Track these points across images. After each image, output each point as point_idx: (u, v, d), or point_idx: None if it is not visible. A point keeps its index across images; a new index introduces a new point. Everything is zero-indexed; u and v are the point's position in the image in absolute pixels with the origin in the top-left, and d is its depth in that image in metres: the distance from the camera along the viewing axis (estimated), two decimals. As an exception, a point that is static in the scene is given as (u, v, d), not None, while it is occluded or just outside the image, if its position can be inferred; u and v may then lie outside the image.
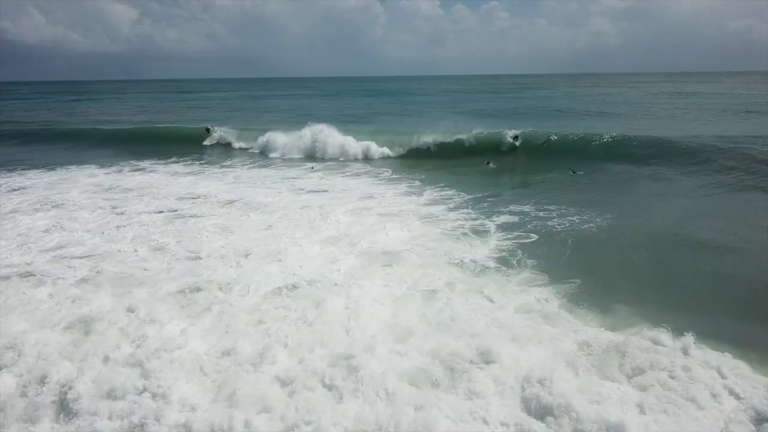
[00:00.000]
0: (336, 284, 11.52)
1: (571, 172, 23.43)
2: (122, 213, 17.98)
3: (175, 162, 29.39)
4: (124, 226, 16.28)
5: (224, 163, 29.12)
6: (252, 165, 28.45)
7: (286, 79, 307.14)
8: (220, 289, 11.24)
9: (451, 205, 18.86)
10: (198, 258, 13.38)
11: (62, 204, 19.21)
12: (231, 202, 19.41)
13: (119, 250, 13.96)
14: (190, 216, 17.55)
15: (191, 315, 10.06)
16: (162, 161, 29.50)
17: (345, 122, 37.95)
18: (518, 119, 41.36)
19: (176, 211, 18.27)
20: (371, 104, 70.06)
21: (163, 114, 56.97)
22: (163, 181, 24.11)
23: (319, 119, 33.71)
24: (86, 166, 27.96)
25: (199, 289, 11.17)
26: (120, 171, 26.73)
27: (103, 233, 15.51)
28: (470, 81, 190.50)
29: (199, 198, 20.37)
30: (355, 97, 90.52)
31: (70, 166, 27.90)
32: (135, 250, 13.97)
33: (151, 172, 26.51)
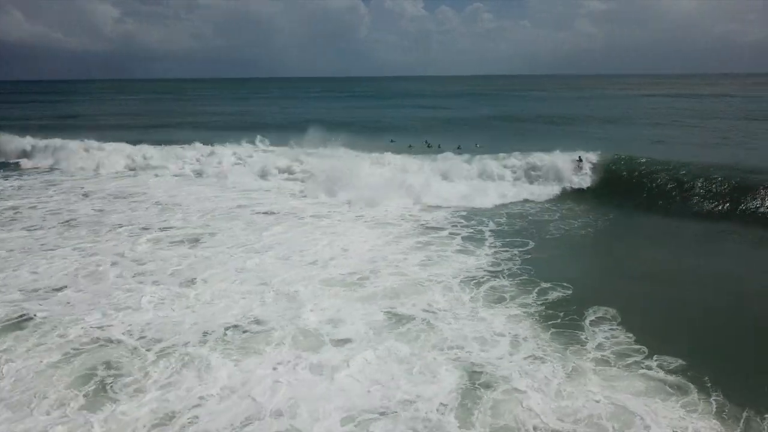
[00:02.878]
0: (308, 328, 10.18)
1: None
2: None
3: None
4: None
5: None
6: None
7: (273, 80, 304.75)
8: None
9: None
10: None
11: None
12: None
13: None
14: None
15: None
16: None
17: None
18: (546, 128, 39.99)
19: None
20: (384, 107, 68.30)
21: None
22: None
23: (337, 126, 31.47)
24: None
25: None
26: None
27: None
28: (464, 82, 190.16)
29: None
30: (357, 99, 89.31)
31: None
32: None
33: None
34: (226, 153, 28.32)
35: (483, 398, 7.88)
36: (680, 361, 8.81)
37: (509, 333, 9.83)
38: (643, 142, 30.60)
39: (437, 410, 7.60)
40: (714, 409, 7.61)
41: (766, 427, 7.25)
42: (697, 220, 17.61)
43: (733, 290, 11.98)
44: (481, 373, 8.55)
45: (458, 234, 16.25)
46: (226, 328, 9.98)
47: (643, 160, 21.81)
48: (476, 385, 8.20)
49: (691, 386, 8.16)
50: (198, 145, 29.75)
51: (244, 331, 9.90)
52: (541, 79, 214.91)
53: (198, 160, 27.91)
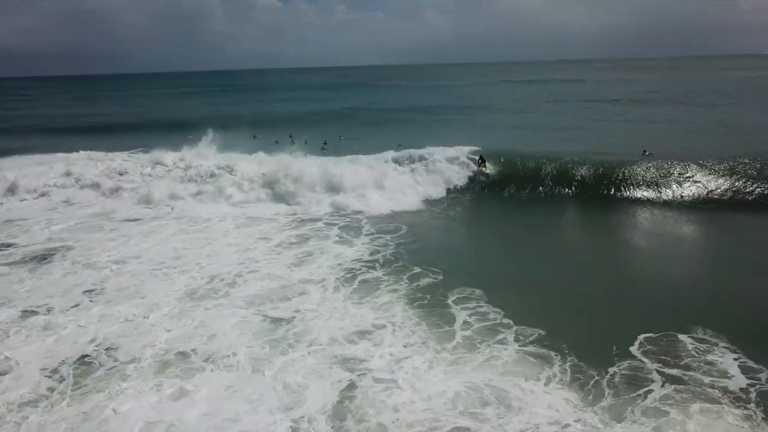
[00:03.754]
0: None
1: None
2: None
3: None
4: None
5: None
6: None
7: (119, 77, 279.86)
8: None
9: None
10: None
11: None
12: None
13: None
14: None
15: None
16: None
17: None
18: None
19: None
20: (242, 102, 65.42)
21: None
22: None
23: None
24: None
25: None
26: None
27: None
28: (323, 74, 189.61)
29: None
30: (213, 94, 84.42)
31: None
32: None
33: None
34: (64, 159, 25.34)
35: (359, 397, 7.84)
36: (541, 332, 9.53)
37: (385, 324, 9.94)
38: (508, 130, 32.21)
39: (316, 418, 7.41)
40: (569, 379, 8.24)
41: (605, 382, 8.10)
42: (565, 206, 18.66)
43: (590, 265, 13.21)
44: (357, 370, 8.50)
45: (335, 224, 16.50)
46: (74, 362, 8.86)
47: (514, 150, 22.57)
48: (353, 385, 8.14)
49: (552, 354, 8.84)
50: (36, 156, 26.34)
51: (99, 365, 8.81)
52: (398, 70, 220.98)
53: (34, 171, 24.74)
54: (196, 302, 11.11)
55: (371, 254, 13.74)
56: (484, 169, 20.76)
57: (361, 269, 12.73)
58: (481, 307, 10.59)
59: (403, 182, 20.52)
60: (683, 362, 8.59)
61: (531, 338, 9.40)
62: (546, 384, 8.14)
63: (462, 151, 22.03)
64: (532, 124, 34.64)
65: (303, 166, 21.08)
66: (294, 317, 10.33)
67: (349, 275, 12.37)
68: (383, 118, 41.12)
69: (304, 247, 14.40)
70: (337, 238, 15.16)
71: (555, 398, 7.78)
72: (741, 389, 7.89)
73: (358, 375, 8.39)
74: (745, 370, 8.36)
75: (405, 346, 9.21)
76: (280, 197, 19.60)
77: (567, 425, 7.21)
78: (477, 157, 21.49)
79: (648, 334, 9.38)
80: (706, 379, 8.12)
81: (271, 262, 13.33)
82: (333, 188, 19.76)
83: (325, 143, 27.87)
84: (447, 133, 27.43)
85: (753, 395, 7.75)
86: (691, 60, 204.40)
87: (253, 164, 22.28)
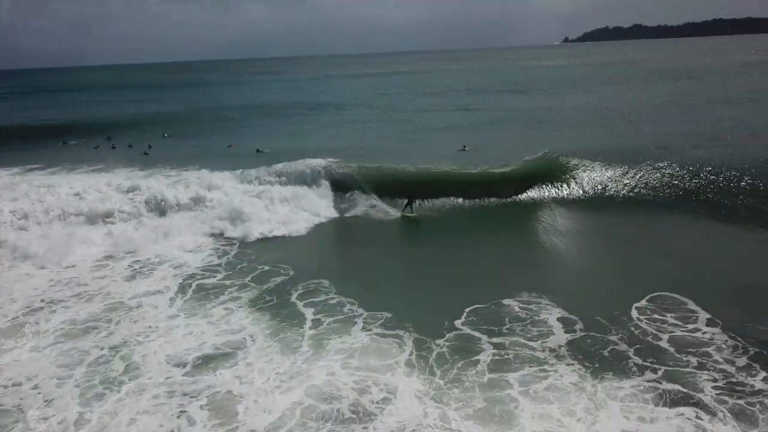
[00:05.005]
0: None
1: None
2: None
3: None
4: None
5: None
6: None
7: None
8: None
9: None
10: None
11: None
12: None
13: None
14: None
15: None
16: None
17: None
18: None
19: None
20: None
21: None
22: None
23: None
24: None
25: None
26: None
27: None
28: (139, 71, 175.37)
29: None
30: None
31: None
32: None
33: None
34: None
35: (203, 427, 7.19)
36: (387, 314, 9.94)
37: (233, 339, 9.40)
38: (343, 127, 31.85)
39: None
40: (414, 359, 8.61)
41: (435, 355, 8.67)
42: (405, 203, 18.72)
43: (427, 252, 14.18)
44: (198, 397, 7.76)
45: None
46: None
47: (356, 153, 22.26)
48: (191, 418, 7.38)
49: (400, 333, 9.29)
50: None
51: None
52: (222, 65, 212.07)
53: None
54: (3, 341, 9.49)
55: (219, 257, 13.29)
56: (409, 212, 18.88)
57: (204, 274, 12.12)
58: (334, 297, 10.79)
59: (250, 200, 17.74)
60: (508, 326, 9.50)
61: (379, 322, 9.72)
62: (395, 371, 8.33)
63: (306, 164, 20.52)
64: (361, 119, 35.42)
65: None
66: (125, 343, 9.25)
67: (189, 281, 11.71)
68: (211, 117, 38.99)
69: (140, 255, 13.37)
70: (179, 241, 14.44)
71: (407, 386, 7.97)
72: (561, 345, 8.90)
73: (199, 403, 7.64)
74: (564, 322, 9.55)
75: (255, 359, 8.75)
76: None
77: (419, 414, 7.44)
78: (405, 199, 19.09)
79: (476, 306, 10.20)
80: (534, 344, 8.98)
81: (98, 279, 12.04)
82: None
83: (149, 147, 25.84)
84: (279, 130, 27.02)
85: (571, 347, 8.83)
86: (495, 51, 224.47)
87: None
